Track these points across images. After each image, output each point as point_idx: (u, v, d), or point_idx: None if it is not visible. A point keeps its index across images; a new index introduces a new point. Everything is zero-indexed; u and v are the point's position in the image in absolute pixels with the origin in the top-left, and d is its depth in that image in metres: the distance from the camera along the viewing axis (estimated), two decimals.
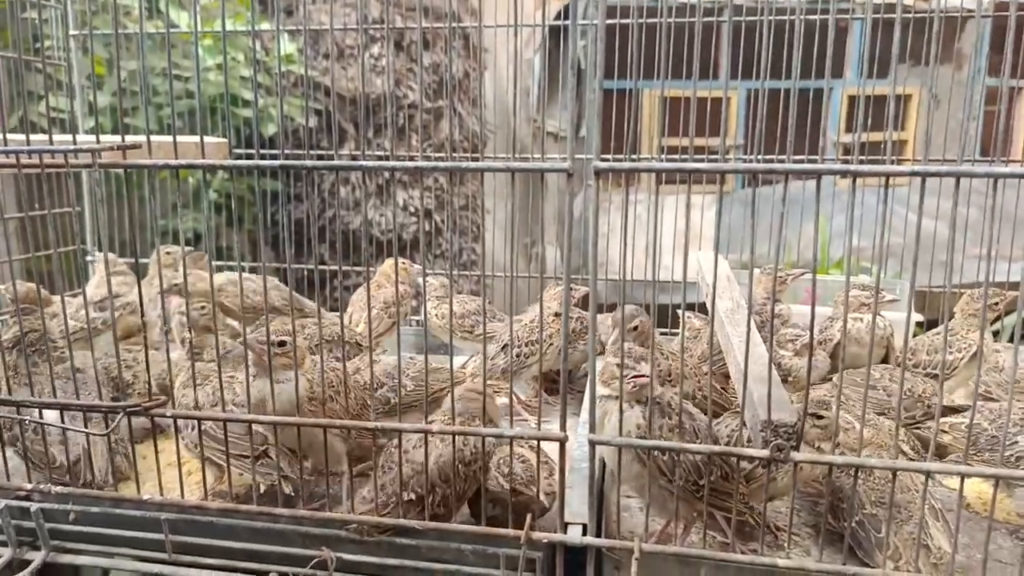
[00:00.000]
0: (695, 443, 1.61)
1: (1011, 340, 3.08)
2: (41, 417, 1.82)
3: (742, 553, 1.63)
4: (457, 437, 1.69)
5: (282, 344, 1.79)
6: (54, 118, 3.69)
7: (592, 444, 1.60)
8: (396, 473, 1.68)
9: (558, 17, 6.02)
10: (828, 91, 1.65)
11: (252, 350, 1.78)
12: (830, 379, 2.57)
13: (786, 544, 1.65)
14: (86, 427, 1.84)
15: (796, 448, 1.50)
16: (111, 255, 3.13)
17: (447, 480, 1.69)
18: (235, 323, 2.82)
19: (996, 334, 4.52)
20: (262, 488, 1.81)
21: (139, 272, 2.10)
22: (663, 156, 3.18)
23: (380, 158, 3.99)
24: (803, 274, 2.93)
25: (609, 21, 3.15)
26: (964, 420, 2.04)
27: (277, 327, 1.90)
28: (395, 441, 1.73)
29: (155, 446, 1.82)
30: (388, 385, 2.23)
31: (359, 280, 4.54)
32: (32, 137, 1.70)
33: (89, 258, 3.58)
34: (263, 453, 1.88)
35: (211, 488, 1.93)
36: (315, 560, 1.68)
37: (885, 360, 2.73)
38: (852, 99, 6.99)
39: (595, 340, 1.62)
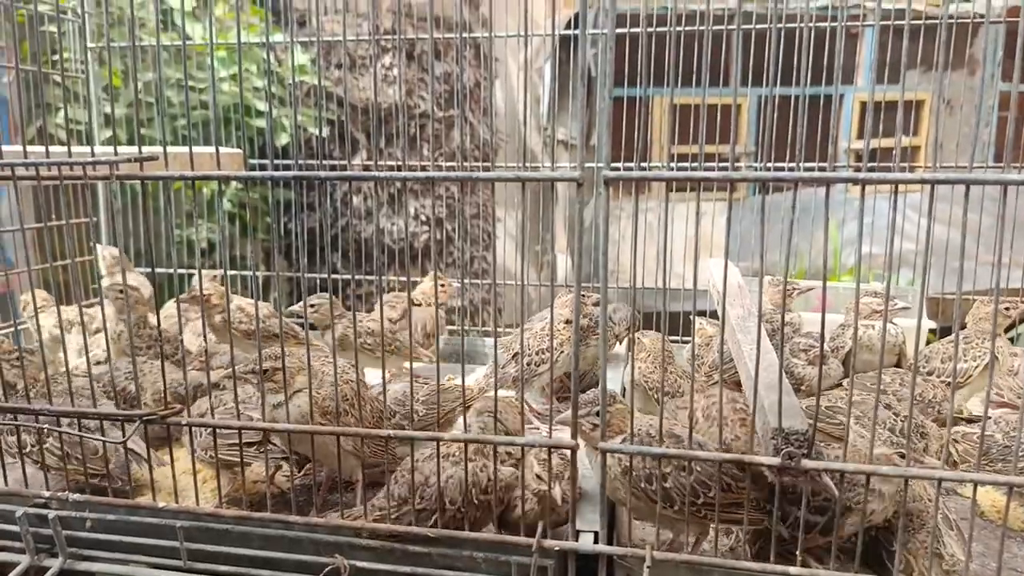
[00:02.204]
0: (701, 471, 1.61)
1: None
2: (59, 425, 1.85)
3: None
4: (474, 465, 1.69)
5: (264, 372, 1.79)
6: (71, 130, 3.75)
7: (603, 452, 1.60)
8: (406, 482, 1.69)
9: (568, 26, 6.04)
10: (839, 98, 1.65)
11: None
12: (841, 385, 2.56)
13: (797, 552, 1.64)
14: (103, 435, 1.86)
15: (807, 456, 1.49)
16: (114, 249, 3.16)
17: (454, 502, 1.68)
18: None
19: (1012, 341, 4.48)
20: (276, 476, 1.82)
21: (155, 282, 2.14)
22: (673, 164, 3.19)
23: (392, 168, 4.02)
24: (810, 289, 2.92)
25: (619, 30, 3.16)
26: (970, 430, 2.03)
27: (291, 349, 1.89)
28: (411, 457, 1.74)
29: (171, 454, 1.85)
30: (401, 413, 2.19)
31: (371, 288, 4.56)
32: (51, 149, 1.73)
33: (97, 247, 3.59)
34: (266, 439, 1.89)
35: (224, 493, 1.94)
36: (328, 567, 1.69)
37: (897, 367, 2.72)
38: (865, 105, 6.97)
39: (606, 346, 1.63)
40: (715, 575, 1.58)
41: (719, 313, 2.00)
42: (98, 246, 3.15)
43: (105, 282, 3.01)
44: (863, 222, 1.49)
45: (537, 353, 2.59)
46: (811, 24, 1.70)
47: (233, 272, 3.79)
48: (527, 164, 3.84)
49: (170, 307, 3.12)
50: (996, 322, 1.45)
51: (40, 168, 1.68)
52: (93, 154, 1.68)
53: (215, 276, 3.07)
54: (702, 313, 3.27)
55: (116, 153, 1.67)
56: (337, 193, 5.49)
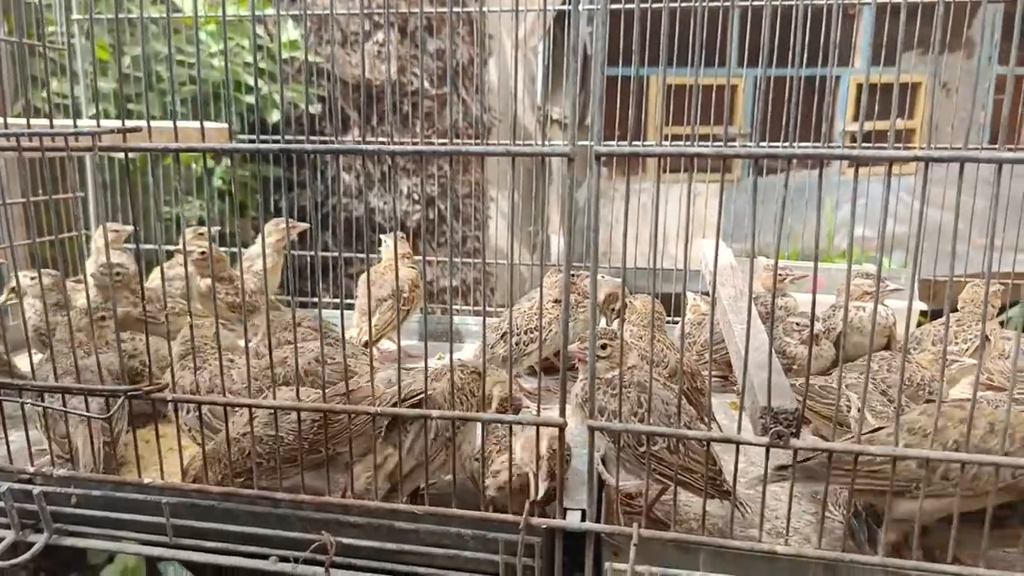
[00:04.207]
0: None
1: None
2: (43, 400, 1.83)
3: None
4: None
5: None
6: (57, 104, 3.69)
7: (591, 429, 1.60)
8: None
9: (563, 2, 5.97)
10: (834, 79, 1.63)
11: None
12: (831, 373, 2.57)
13: (785, 531, 1.65)
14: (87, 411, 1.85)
15: (796, 435, 1.49)
16: (115, 224, 3.13)
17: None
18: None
19: (1002, 324, 4.48)
20: None
21: (141, 258, 2.11)
22: (667, 143, 3.16)
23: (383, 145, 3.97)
24: (803, 276, 2.92)
25: (613, 7, 3.12)
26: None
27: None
28: None
29: (156, 431, 1.84)
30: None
31: (362, 268, 4.53)
32: (33, 121, 1.70)
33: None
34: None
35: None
36: (315, 544, 1.69)
37: (887, 348, 2.72)
38: (861, 87, 6.94)
39: (596, 328, 1.61)
40: (702, 553, 1.58)
41: (710, 293, 2.00)
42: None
43: (91, 265, 2.98)
44: (856, 203, 1.48)
45: (526, 332, 2.58)
46: (806, 3, 1.67)
47: (223, 249, 3.75)
48: (521, 142, 3.81)
49: (155, 278, 3.12)
50: (987, 305, 1.45)
51: (21, 139, 1.65)
52: (75, 126, 1.65)
53: (200, 233, 3.05)
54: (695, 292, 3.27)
55: (99, 125, 1.64)
56: (328, 171, 5.45)
